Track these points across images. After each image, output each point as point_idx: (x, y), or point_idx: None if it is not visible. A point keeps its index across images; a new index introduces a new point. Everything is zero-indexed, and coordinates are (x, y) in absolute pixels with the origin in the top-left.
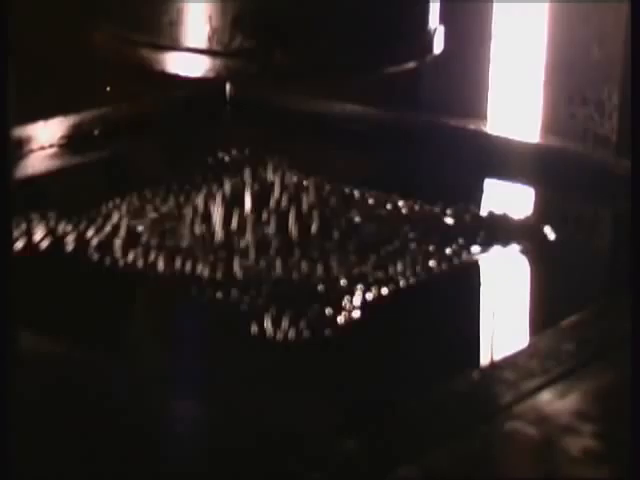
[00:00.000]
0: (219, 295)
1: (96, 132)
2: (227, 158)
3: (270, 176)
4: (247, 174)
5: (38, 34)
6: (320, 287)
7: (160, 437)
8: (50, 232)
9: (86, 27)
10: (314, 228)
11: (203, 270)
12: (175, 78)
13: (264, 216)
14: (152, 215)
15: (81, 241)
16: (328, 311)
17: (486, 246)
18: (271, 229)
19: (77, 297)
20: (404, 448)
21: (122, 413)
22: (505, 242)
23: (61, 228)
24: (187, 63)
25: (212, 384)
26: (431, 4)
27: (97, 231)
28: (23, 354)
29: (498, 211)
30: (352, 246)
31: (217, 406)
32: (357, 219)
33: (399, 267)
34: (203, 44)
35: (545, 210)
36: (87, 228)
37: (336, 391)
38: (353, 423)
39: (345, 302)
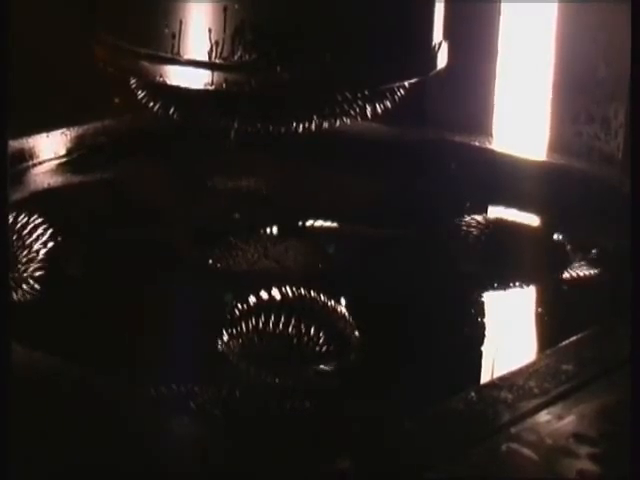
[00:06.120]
0: None
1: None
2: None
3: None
4: None
5: (38, 43)
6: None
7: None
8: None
9: (86, 39)
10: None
11: None
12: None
13: None
14: None
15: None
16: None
17: (486, 265)
18: None
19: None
20: (399, 468)
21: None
22: (506, 262)
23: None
24: (187, 76)
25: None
26: (435, 19)
27: None
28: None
29: (501, 230)
30: None
31: None
32: None
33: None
34: (204, 57)
35: (548, 229)
36: None
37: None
38: (348, 442)
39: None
